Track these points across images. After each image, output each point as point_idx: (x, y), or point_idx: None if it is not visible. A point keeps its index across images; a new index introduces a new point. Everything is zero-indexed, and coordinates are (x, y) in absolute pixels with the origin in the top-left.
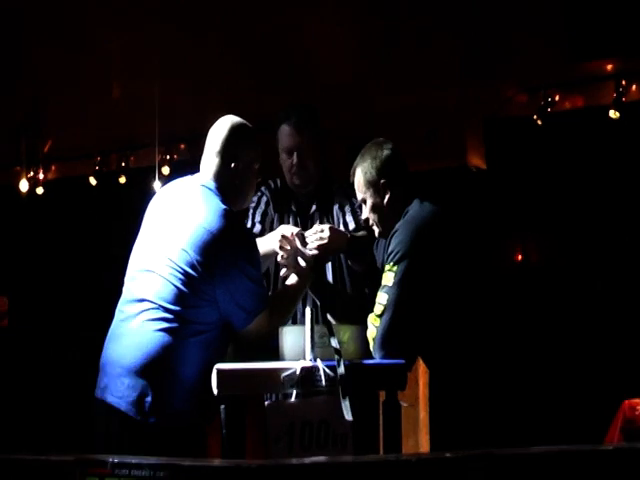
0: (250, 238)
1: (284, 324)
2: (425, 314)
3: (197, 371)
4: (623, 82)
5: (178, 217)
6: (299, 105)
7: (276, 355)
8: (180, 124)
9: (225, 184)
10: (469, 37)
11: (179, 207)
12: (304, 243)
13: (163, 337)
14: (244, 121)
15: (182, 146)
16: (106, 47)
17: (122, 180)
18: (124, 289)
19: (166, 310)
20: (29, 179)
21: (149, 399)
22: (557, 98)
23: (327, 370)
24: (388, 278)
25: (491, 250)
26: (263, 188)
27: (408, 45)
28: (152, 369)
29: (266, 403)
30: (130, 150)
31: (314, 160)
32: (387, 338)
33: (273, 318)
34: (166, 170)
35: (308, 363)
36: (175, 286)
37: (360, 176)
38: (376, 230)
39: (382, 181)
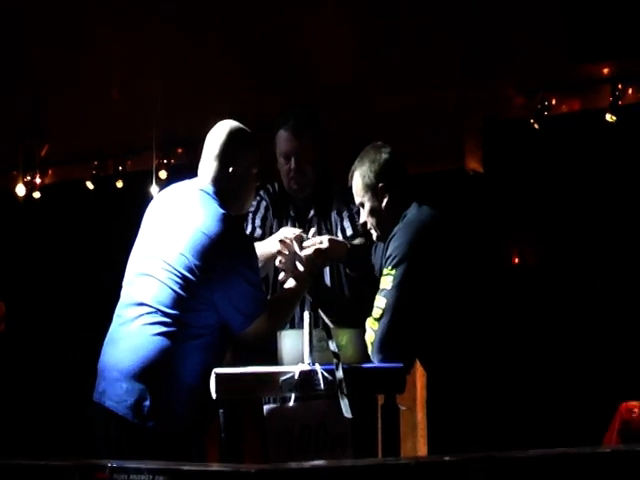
0: (248, 242)
1: (282, 328)
2: (423, 317)
3: (195, 375)
4: (619, 85)
5: (176, 221)
6: (297, 109)
7: (274, 359)
8: (178, 128)
9: (223, 188)
10: (469, 37)
11: (177, 211)
12: (302, 247)
13: (161, 341)
14: (242, 126)
15: (179, 150)
16: (105, 50)
17: (119, 184)
18: (122, 293)
19: (164, 314)
20: (26, 183)
21: (147, 403)
22: (554, 102)
23: (325, 374)
24: (386, 282)
25: (488, 253)
26: (262, 192)
27: (408, 45)
28: (150, 373)
29: (265, 407)
30: (127, 154)
31: (312, 165)
32: (385, 342)
33: (271, 322)
34: (163, 174)
35: (306, 367)
36: (173, 290)
37: (358, 180)
38: (374, 234)
39: (380, 185)
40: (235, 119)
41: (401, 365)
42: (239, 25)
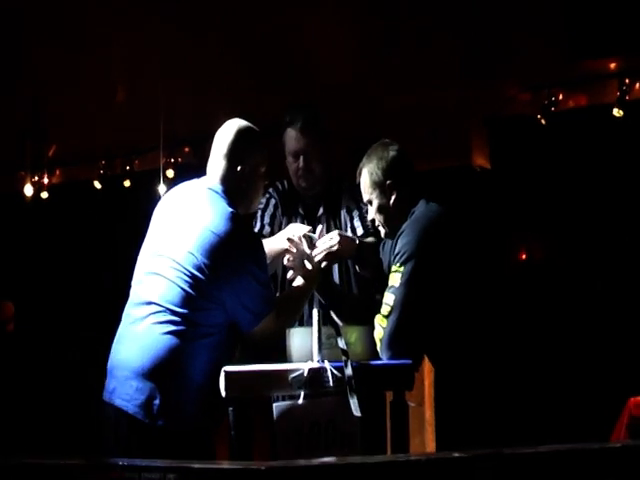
0: (257, 241)
1: (291, 326)
2: (432, 314)
3: (205, 373)
4: (626, 80)
5: (185, 220)
6: (304, 108)
7: (284, 357)
8: (184, 127)
9: (232, 187)
10: (470, 36)
11: (186, 210)
12: (311, 245)
13: (171, 340)
14: (250, 124)
15: (186, 149)
16: (109, 51)
17: (127, 184)
18: (131, 292)
19: (173, 313)
20: (34, 184)
21: (157, 402)
22: (560, 97)
23: (335, 371)
24: (395, 278)
25: (496, 248)
26: (271, 190)
27: (408, 45)
28: (160, 372)
29: (274, 405)
30: (135, 154)
31: (320, 162)
32: (394, 338)
33: (280, 320)
34: (171, 173)
35: (316, 364)
36: (182, 289)
37: (366, 177)
38: (382, 231)
39: (388, 182)
40: (239, 118)
41: (410, 362)
42: (239, 25)
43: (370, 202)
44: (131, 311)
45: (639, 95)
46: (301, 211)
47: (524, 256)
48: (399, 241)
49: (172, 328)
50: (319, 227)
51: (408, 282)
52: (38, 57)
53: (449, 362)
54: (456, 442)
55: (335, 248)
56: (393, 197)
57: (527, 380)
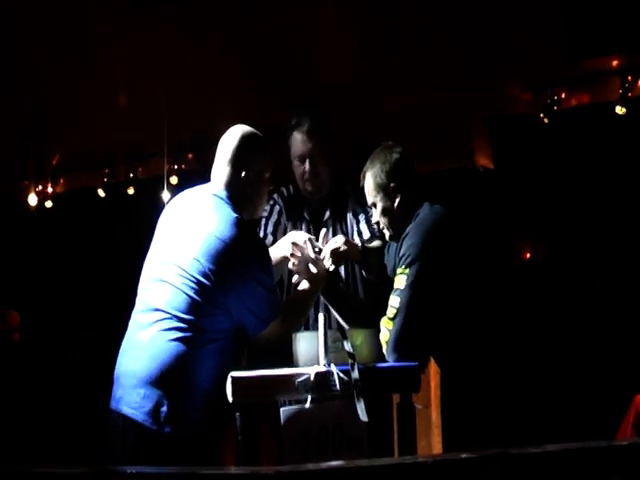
0: (262, 246)
1: (297, 330)
2: (437, 316)
3: (211, 379)
4: (629, 78)
5: (190, 226)
6: (310, 110)
7: (290, 361)
8: (187, 132)
9: (236, 193)
10: (469, 37)
11: (191, 216)
12: (315, 249)
13: (177, 347)
14: (254, 130)
15: (190, 156)
16: (110, 56)
17: (131, 191)
18: (137, 299)
19: (180, 319)
20: (38, 193)
21: (164, 409)
22: (563, 96)
23: (341, 374)
24: (400, 281)
25: (500, 249)
26: (276, 196)
27: (408, 45)
28: (167, 379)
29: (281, 409)
30: (138, 161)
31: (326, 166)
32: (400, 341)
33: (286, 324)
34: (174, 180)
35: (322, 368)
36: (188, 295)
37: (370, 180)
38: (387, 233)
39: (392, 185)
40: (243, 123)
41: (416, 364)
42: (239, 25)
43: (374, 205)
44: (137, 318)
45: None
46: (307, 216)
47: (528, 256)
48: (404, 243)
49: (178, 335)
50: (323, 230)
51: (413, 284)
52: (39, 63)
53: (455, 364)
54: (463, 444)
55: (342, 249)
56: (397, 200)
57: (533, 380)
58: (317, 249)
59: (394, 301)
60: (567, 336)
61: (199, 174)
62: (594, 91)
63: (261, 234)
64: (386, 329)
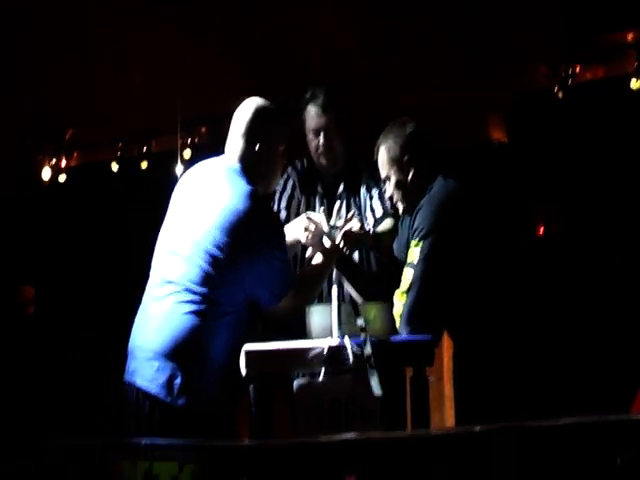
0: (276, 219)
1: (310, 303)
2: (451, 289)
3: (225, 352)
4: None
5: (204, 199)
6: (324, 85)
7: (303, 334)
8: (201, 107)
9: (250, 166)
10: (483, 14)
11: (205, 189)
12: (329, 223)
13: (191, 319)
14: (269, 103)
15: (203, 129)
16: (124, 32)
17: (144, 165)
18: (152, 272)
19: (194, 292)
20: (51, 167)
21: (178, 381)
22: (578, 70)
23: (354, 347)
24: (414, 254)
25: (514, 223)
26: (289, 170)
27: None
28: (181, 352)
29: (294, 382)
30: (151, 135)
31: (341, 140)
32: (414, 314)
33: (299, 297)
34: (188, 154)
35: (335, 341)
36: (202, 268)
37: (384, 154)
38: (400, 207)
39: (406, 158)
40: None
41: (430, 337)
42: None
43: (388, 179)
44: (151, 291)
45: None
46: (320, 190)
47: (542, 230)
48: (417, 217)
49: (192, 308)
50: (337, 204)
51: (427, 258)
52: (55, 40)
53: (468, 337)
54: (476, 417)
55: (355, 229)
56: (411, 173)
57: (547, 353)
58: (331, 223)
59: (407, 274)
60: (582, 309)
61: (212, 148)
62: (609, 65)
63: (275, 208)
64: (399, 302)
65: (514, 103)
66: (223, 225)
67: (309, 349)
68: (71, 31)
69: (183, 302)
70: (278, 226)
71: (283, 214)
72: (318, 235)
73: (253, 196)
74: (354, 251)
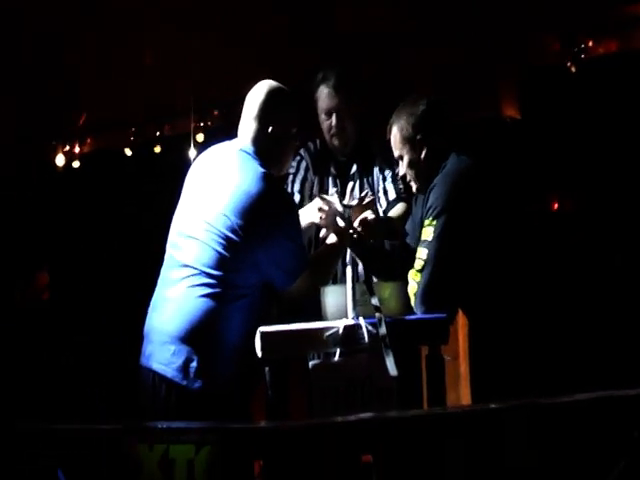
0: (290, 200)
1: (325, 284)
2: (465, 267)
3: (241, 335)
4: None
5: (218, 182)
6: (336, 65)
7: (318, 315)
8: (213, 90)
9: (263, 148)
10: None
11: (218, 172)
12: (343, 204)
13: (206, 303)
14: (281, 85)
15: (216, 113)
16: (138, 14)
17: (157, 149)
18: (166, 256)
19: (208, 275)
20: (65, 153)
21: (194, 364)
22: (590, 44)
23: (369, 327)
24: (428, 233)
25: (527, 200)
26: (302, 151)
27: None
28: (197, 335)
29: (310, 363)
30: (164, 119)
31: (353, 121)
32: (429, 293)
33: (314, 278)
34: (201, 137)
35: (350, 321)
36: (216, 251)
37: (396, 133)
38: (414, 186)
39: (418, 137)
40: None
41: (444, 316)
42: None
43: (401, 158)
44: (166, 274)
45: None
46: (333, 170)
47: (556, 206)
48: (431, 195)
49: (207, 291)
50: (350, 184)
51: (441, 236)
52: (72, 25)
53: (483, 315)
54: (492, 395)
55: (370, 219)
56: (424, 152)
57: (562, 330)
58: (344, 202)
59: (422, 253)
60: (597, 286)
61: (225, 131)
62: (622, 39)
63: (288, 191)
64: (414, 281)
65: (527, 78)
66: (237, 208)
67: (324, 330)
68: (86, 19)
69: (198, 285)
70: (292, 207)
71: (297, 197)
72: (332, 215)
73: (266, 178)
74: (367, 240)
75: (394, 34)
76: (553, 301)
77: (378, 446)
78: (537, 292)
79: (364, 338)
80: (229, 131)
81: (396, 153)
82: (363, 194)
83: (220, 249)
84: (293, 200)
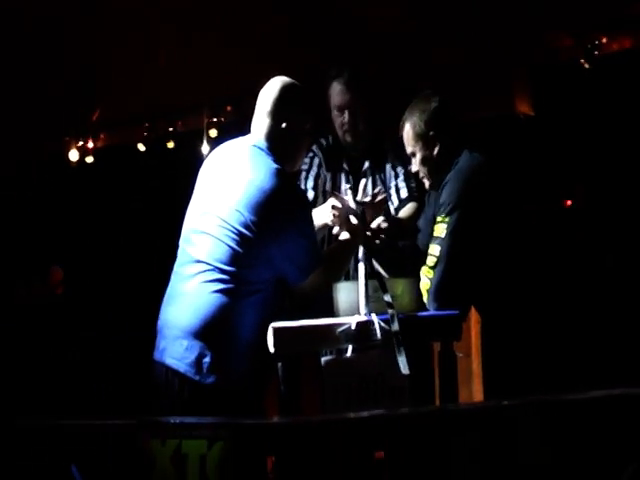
0: (303, 196)
1: (338, 280)
2: (478, 264)
3: (253, 330)
4: None
5: (231, 178)
6: (349, 62)
7: (331, 311)
8: (226, 86)
9: (276, 144)
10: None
11: (231, 168)
12: (356, 200)
13: (220, 298)
14: (295, 81)
15: (229, 108)
16: (152, 11)
17: (170, 145)
18: (179, 252)
19: (221, 271)
20: (78, 148)
21: (208, 360)
22: (604, 40)
23: (382, 324)
24: (440, 229)
25: (540, 196)
26: (315, 148)
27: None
28: (210, 330)
29: (323, 359)
30: (177, 114)
31: (365, 117)
32: (441, 289)
33: (327, 274)
34: (214, 133)
35: (363, 318)
36: (229, 247)
37: (409, 130)
38: (426, 182)
39: (431, 133)
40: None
41: (457, 312)
42: None
43: (413, 155)
44: (179, 270)
45: None
46: (345, 166)
47: (569, 203)
48: (443, 192)
49: (221, 286)
50: (362, 181)
51: (454, 233)
52: (85, 21)
53: (496, 311)
54: (504, 392)
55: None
56: (436, 148)
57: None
58: (357, 198)
59: (434, 250)
60: (611, 282)
61: (238, 126)
62: (636, 35)
63: (302, 187)
64: (426, 278)
65: (540, 75)
66: (250, 203)
67: (337, 326)
68: (99, 15)
69: (211, 281)
70: (305, 204)
71: (311, 194)
72: (344, 213)
73: (279, 174)
74: (381, 245)
75: (406, 34)
76: (566, 298)
77: (390, 442)
78: (549, 289)
79: (376, 334)
80: (242, 126)
81: (409, 150)
82: (376, 191)
83: (233, 245)
84: (306, 196)
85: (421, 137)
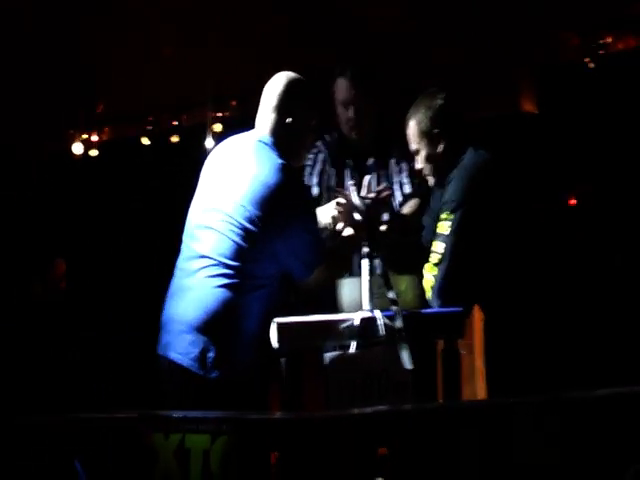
0: (308, 191)
1: (342, 276)
2: (482, 261)
3: (258, 325)
4: None
5: (235, 173)
6: (355, 59)
7: (334, 307)
8: (231, 81)
9: (281, 139)
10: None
11: (236, 163)
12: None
13: (224, 293)
14: (300, 76)
15: (233, 103)
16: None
17: (175, 139)
18: (183, 246)
19: (226, 266)
20: (83, 142)
21: (211, 354)
22: (609, 40)
23: (386, 320)
24: (444, 227)
25: (544, 195)
26: (319, 143)
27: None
28: (214, 325)
29: (326, 355)
30: (182, 109)
31: (370, 113)
32: (445, 287)
33: (331, 270)
34: (218, 127)
35: (367, 314)
36: (234, 241)
37: (414, 127)
38: (431, 180)
39: (436, 131)
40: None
41: (461, 309)
42: None
43: (418, 152)
44: (184, 265)
45: None
46: (350, 163)
47: (573, 202)
48: (448, 189)
49: (225, 281)
50: (367, 177)
51: (457, 230)
52: (90, 15)
53: (499, 309)
54: (507, 389)
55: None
56: (441, 146)
57: (579, 325)
58: (362, 194)
59: (438, 247)
60: (614, 281)
61: (242, 121)
62: None
63: (306, 183)
64: (430, 275)
65: (545, 74)
66: (255, 198)
67: (340, 322)
68: (104, 9)
69: (216, 276)
70: (309, 198)
71: (315, 190)
72: (349, 209)
73: (284, 169)
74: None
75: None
76: (570, 296)
77: (394, 439)
78: (553, 287)
79: (380, 330)
80: (246, 121)
81: (413, 147)
82: (380, 187)
83: (238, 240)
84: (311, 191)
85: (426, 134)
